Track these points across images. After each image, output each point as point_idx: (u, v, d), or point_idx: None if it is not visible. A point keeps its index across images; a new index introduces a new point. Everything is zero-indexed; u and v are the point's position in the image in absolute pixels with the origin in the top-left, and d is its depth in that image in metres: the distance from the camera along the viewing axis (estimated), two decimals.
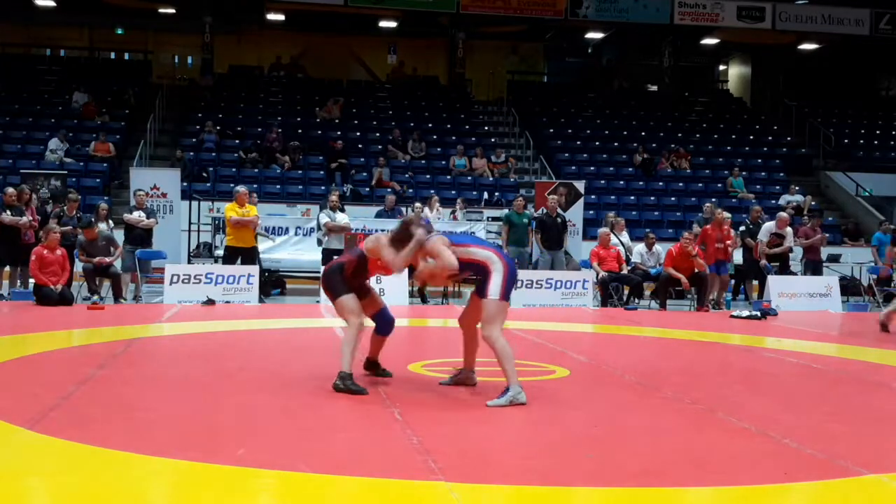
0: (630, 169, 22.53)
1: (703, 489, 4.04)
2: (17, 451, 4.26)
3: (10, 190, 12.93)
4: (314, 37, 26.86)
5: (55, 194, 15.38)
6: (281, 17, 24.77)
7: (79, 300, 11.79)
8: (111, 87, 23.25)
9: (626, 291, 13.75)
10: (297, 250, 14.85)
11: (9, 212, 12.58)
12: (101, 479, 3.86)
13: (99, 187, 18.90)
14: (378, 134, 22.82)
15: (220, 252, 14.05)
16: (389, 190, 18.63)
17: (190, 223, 15.56)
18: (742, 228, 14.93)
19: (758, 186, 22.11)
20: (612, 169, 22.60)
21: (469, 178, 21.11)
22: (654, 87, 28.93)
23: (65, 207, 13.22)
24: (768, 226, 14.52)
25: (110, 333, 8.65)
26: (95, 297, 11.78)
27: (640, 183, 21.94)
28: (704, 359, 8.65)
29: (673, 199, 21.51)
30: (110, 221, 13.41)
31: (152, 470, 4.02)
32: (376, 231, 14.24)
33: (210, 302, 12.08)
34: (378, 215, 15.71)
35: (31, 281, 11.83)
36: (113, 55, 28.01)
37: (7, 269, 12.72)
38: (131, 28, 27.11)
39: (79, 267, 12.25)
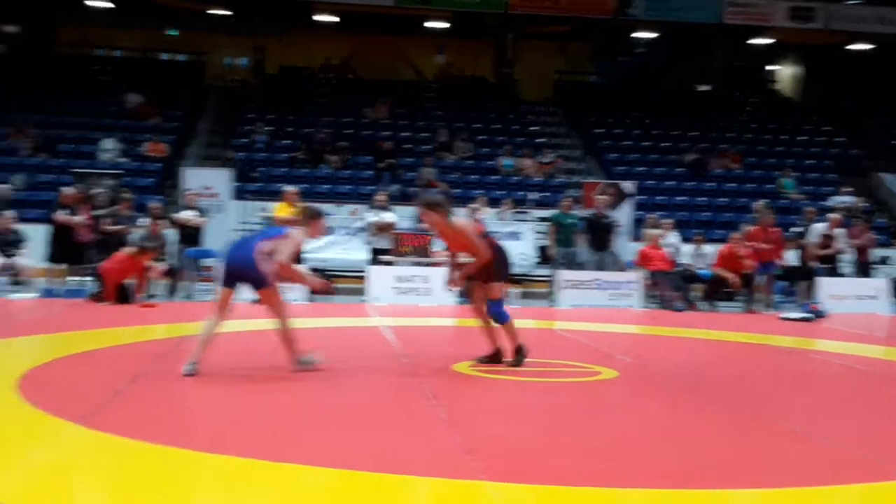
0: (680, 169, 22.30)
1: (751, 491, 3.99)
2: (68, 447, 4.35)
3: (68, 190, 13.24)
4: (364, 37, 27.00)
5: (109, 194, 15.65)
6: (331, 18, 24.96)
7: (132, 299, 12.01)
8: (165, 88, 23.62)
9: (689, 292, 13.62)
10: (345, 250, 14.95)
11: (67, 211, 12.88)
12: (150, 475, 3.93)
13: (152, 187, 19.21)
14: (426, 134, 22.87)
15: None
16: (437, 190, 18.66)
17: (240, 222, 15.75)
18: (796, 230, 14.69)
19: (809, 187, 21.72)
20: (661, 169, 22.37)
21: (516, 178, 21.07)
22: (705, 87, 28.58)
23: (119, 207, 13.47)
24: (819, 227, 14.28)
25: (162, 331, 8.81)
26: (144, 296, 12.00)
27: (691, 183, 21.70)
28: (752, 361, 8.53)
29: (724, 199, 21.22)
30: (162, 222, 13.64)
31: (200, 466, 4.09)
32: (424, 231, 14.29)
33: (259, 300, 12.18)
34: None
35: (87, 279, 12.08)
36: (166, 57, 28.49)
37: (62, 266, 13.02)
38: (185, 30, 27.55)
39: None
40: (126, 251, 11.61)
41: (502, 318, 7.03)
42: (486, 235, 7.21)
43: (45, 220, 13.62)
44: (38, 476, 3.83)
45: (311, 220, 6.73)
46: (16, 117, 20.81)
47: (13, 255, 12.25)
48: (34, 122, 20.80)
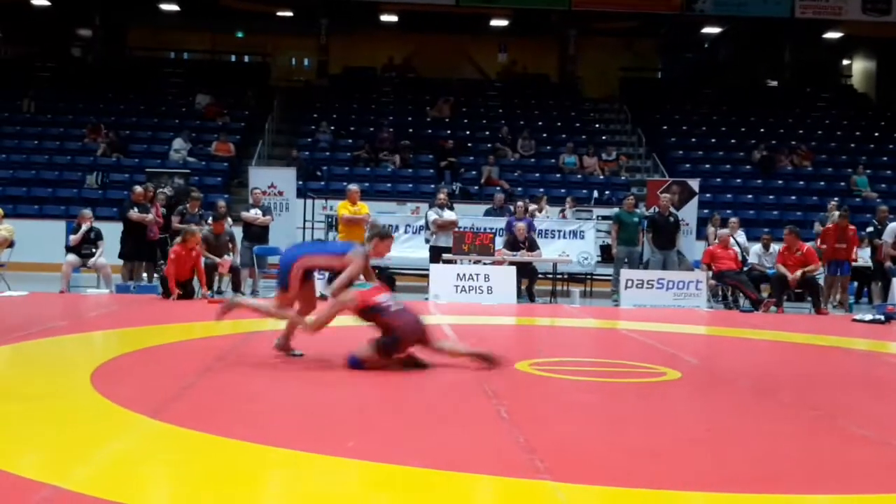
0: (748, 167, 21.90)
1: (820, 497, 3.90)
2: (139, 439, 4.47)
3: (139, 188, 13.58)
4: (426, 37, 27.12)
5: (179, 192, 16.01)
6: (394, 18, 25.12)
7: (198, 295, 12.26)
8: (232, 88, 24.06)
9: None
10: (407, 248, 15.03)
11: (136, 209, 13.21)
12: (217, 468, 4.02)
13: (220, 186, 19.59)
14: (488, 132, 22.87)
15: None
16: (498, 188, 18.66)
17: (304, 220, 15.96)
18: (869, 229, 14.32)
19: (882, 185, 21.14)
20: (728, 167, 22.02)
21: (579, 176, 20.94)
22: (774, 83, 28.00)
23: (188, 205, 13.76)
24: (893, 226, 13.88)
25: (229, 326, 8.95)
26: (210, 293, 12.24)
27: (759, 181, 21.30)
28: (823, 363, 8.34)
29: (793, 198, 20.80)
30: (229, 219, 13.90)
31: (267, 459, 4.16)
32: (485, 229, 14.30)
33: (322, 297, 12.33)
34: (487, 213, 15.76)
35: (156, 275, 12.38)
36: (234, 58, 29.00)
37: (134, 263, 13.36)
38: (251, 32, 28.00)
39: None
40: (177, 242, 11.90)
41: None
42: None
43: (117, 218, 14.01)
44: (111, 468, 3.94)
45: (379, 240, 6.86)
46: (90, 118, 21.43)
47: (93, 253, 12.59)
48: (108, 123, 21.40)
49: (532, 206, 15.35)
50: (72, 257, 12.47)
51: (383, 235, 7.03)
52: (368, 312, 6.48)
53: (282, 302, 6.88)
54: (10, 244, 12.47)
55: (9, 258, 12.54)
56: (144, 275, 13.50)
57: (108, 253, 13.05)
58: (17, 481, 3.60)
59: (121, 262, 13.34)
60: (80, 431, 4.52)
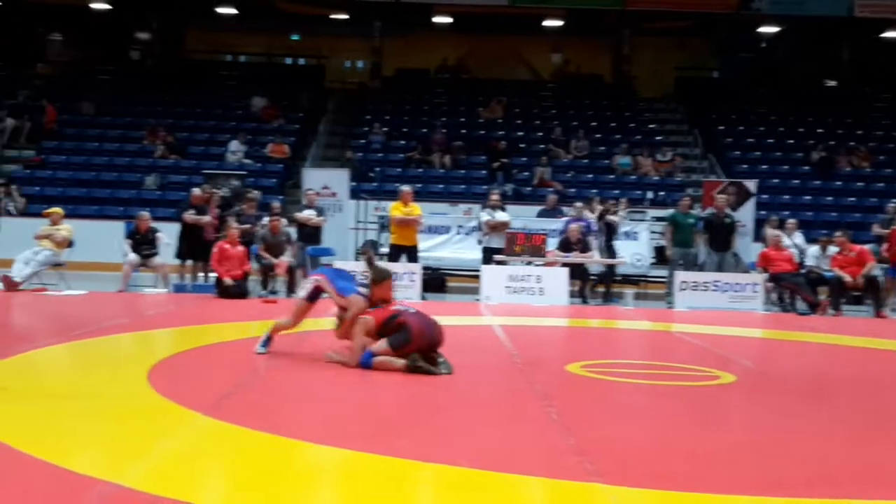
0: (806, 168, 21.50)
1: (874, 503, 3.83)
2: (194, 436, 4.55)
3: (197, 191, 13.81)
4: (479, 38, 27.11)
5: (235, 194, 16.24)
6: (447, 20, 25.16)
7: (255, 294, 12.42)
8: (287, 91, 24.33)
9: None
10: (459, 249, 15.05)
11: (194, 211, 13.44)
12: (271, 465, 4.07)
13: (275, 187, 19.81)
14: (540, 133, 22.78)
15: (385, 250, 14.45)
16: (551, 189, 18.57)
17: (357, 221, 16.08)
18: None
19: None
20: (786, 167, 21.64)
21: (633, 177, 20.75)
22: (833, 83, 27.43)
23: (244, 206, 13.95)
24: None
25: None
26: (265, 291, 12.40)
27: (817, 182, 20.89)
28: (880, 368, 8.16)
29: (852, 199, 20.35)
30: (284, 220, 14.05)
31: (319, 458, 4.21)
32: (538, 230, 14.25)
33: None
34: (539, 214, 15.70)
35: (213, 275, 12.58)
36: (289, 60, 29.32)
37: (190, 263, 13.59)
38: (306, 34, 28.29)
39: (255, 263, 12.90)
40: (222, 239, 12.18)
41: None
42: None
43: (175, 219, 14.26)
44: (166, 464, 4.01)
45: (376, 284, 6.81)
46: (149, 121, 21.84)
47: (154, 254, 12.83)
48: (166, 125, 21.79)
49: (598, 208, 15.12)
50: (132, 257, 12.73)
51: (378, 280, 6.82)
52: (387, 324, 6.55)
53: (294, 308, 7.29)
54: (70, 244, 12.77)
55: (68, 258, 12.83)
56: (201, 274, 13.72)
57: (166, 253, 13.29)
58: (75, 478, 3.69)
59: (178, 261, 13.58)
60: (137, 428, 4.61)
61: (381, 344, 6.50)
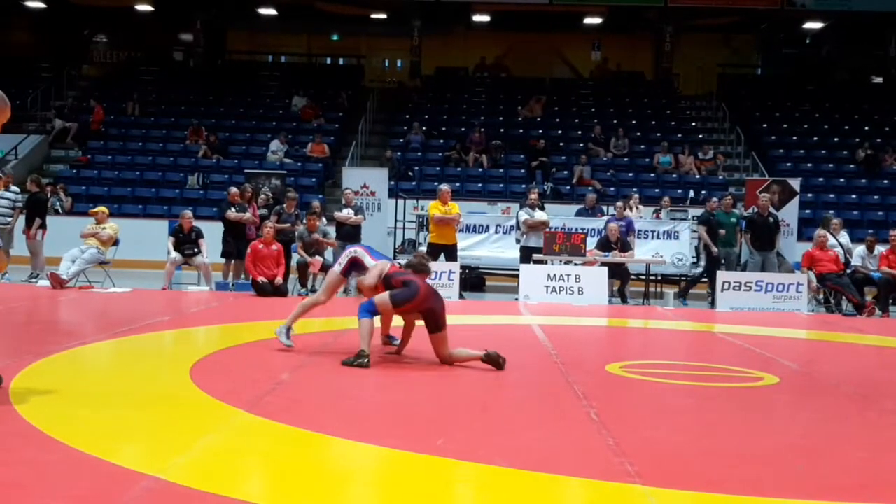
0: (851, 166, 21.14)
1: None
2: (236, 432, 4.59)
3: (234, 189, 13.94)
4: (518, 36, 27.05)
5: (275, 193, 16.38)
6: (486, 18, 25.13)
7: (294, 293, 12.50)
8: (327, 90, 24.49)
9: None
10: (497, 248, 15.02)
11: (234, 209, 13.57)
12: (309, 461, 4.10)
13: (315, 186, 19.95)
14: (580, 132, 22.67)
15: (423, 248, 14.46)
16: (590, 188, 18.47)
17: (396, 220, 16.13)
18: None
19: None
20: (831, 166, 21.30)
21: (674, 175, 20.56)
22: (879, 80, 26.93)
23: (284, 205, 14.05)
24: None
25: (321, 324, 9.12)
26: (304, 290, 12.46)
27: (863, 181, 20.53)
28: None
29: None
30: (324, 219, 14.13)
31: (358, 455, 4.22)
32: (577, 229, 14.18)
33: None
34: (578, 213, 15.62)
35: None
36: (329, 60, 29.51)
37: (233, 261, 13.71)
38: (346, 34, 28.45)
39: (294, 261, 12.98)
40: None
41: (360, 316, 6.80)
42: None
43: (217, 217, 14.41)
44: (208, 459, 4.06)
45: (416, 273, 6.97)
46: (192, 121, 22.11)
47: (197, 253, 12.97)
48: (208, 125, 22.04)
49: (618, 204, 15.06)
50: (174, 255, 12.88)
51: (417, 270, 7.03)
52: (393, 276, 6.83)
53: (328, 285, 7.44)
54: (115, 242, 12.96)
55: (114, 256, 13.02)
56: (243, 274, 13.83)
57: (212, 252, 13.42)
58: (118, 471, 3.74)
59: (221, 260, 13.72)
60: (179, 424, 4.67)
61: (384, 296, 6.72)
